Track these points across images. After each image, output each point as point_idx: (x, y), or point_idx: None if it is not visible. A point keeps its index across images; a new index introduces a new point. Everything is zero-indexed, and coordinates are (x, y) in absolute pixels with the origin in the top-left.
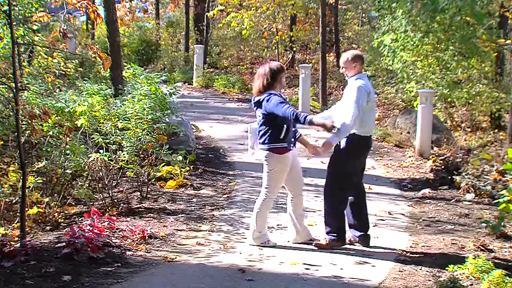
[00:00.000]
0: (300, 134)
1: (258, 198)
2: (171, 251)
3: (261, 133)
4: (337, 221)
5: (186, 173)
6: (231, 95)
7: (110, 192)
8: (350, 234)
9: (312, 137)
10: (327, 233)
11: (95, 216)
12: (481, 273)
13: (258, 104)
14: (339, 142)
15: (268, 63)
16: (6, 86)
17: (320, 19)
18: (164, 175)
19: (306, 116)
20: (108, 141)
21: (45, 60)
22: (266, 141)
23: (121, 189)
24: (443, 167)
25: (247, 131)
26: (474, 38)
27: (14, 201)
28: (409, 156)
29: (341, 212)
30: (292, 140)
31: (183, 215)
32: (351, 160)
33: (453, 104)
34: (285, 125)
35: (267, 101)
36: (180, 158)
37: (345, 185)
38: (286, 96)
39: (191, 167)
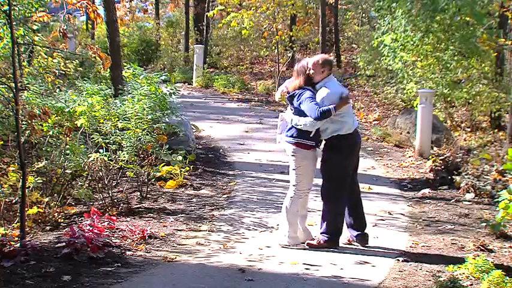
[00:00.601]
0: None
1: (285, 196)
2: (171, 251)
3: (289, 127)
4: (333, 223)
5: (186, 173)
6: (230, 95)
7: (110, 192)
8: (349, 234)
9: None
10: (321, 232)
11: (94, 216)
12: (481, 273)
13: (291, 99)
14: (326, 145)
15: (307, 59)
16: (6, 86)
17: (320, 19)
18: (164, 175)
19: (329, 109)
20: (108, 141)
21: (45, 60)
22: (295, 135)
23: (121, 189)
24: (443, 167)
25: (279, 119)
26: (474, 38)
27: (13, 201)
28: (409, 156)
29: (337, 214)
30: (320, 139)
31: (182, 215)
32: (340, 161)
33: (453, 104)
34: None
35: (298, 96)
36: (180, 158)
37: (339, 187)
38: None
39: (191, 167)
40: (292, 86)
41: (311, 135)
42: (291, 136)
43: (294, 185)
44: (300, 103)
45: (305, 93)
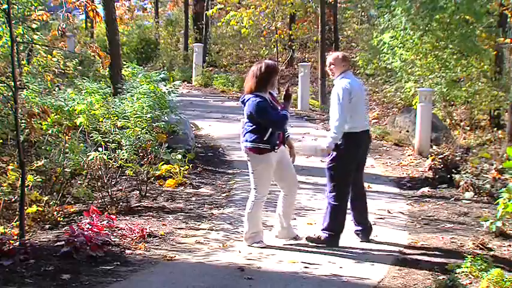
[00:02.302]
0: (288, 135)
1: (248, 199)
2: (170, 250)
3: (245, 131)
4: (334, 221)
5: (185, 172)
6: (230, 94)
7: (109, 191)
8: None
9: (312, 135)
10: (322, 229)
11: (94, 215)
12: (480, 272)
13: (244, 103)
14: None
15: (263, 62)
16: (5, 84)
17: (319, 18)
18: (163, 174)
19: (284, 114)
20: (107, 139)
21: (45, 59)
22: (248, 140)
23: (120, 188)
24: (442, 165)
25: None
26: (473, 37)
27: (13, 199)
28: (408, 155)
29: (339, 212)
30: (277, 142)
31: (182, 213)
32: (343, 157)
33: (452, 103)
34: (269, 128)
35: (250, 104)
36: (179, 156)
37: (342, 183)
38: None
39: (190, 165)
40: (246, 89)
41: (265, 139)
42: (246, 140)
43: (254, 188)
44: (251, 112)
45: (256, 103)
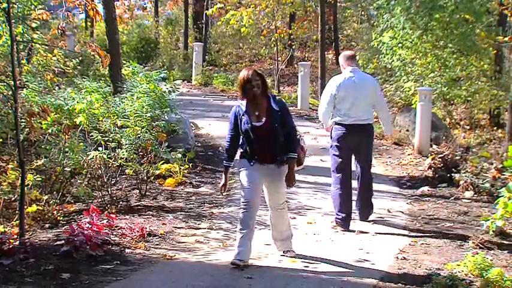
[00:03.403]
0: (291, 157)
1: None
2: (170, 249)
3: None
4: (334, 204)
5: (185, 171)
6: (230, 93)
7: (109, 190)
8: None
9: (311, 135)
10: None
11: (94, 214)
12: (480, 271)
13: None
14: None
15: (248, 70)
16: (5, 83)
17: (319, 17)
18: (163, 173)
19: (226, 159)
20: (107, 139)
21: (44, 58)
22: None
23: (120, 187)
24: (442, 164)
25: None
26: (473, 36)
27: (13, 199)
28: (408, 154)
29: (334, 195)
30: (255, 156)
31: (182, 212)
32: (332, 146)
33: (452, 102)
34: (243, 137)
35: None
36: (179, 155)
37: (333, 169)
38: (285, 94)
39: (190, 164)
40: None
41: (240, 143)
42: None
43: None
44: None
45: (231, 113)
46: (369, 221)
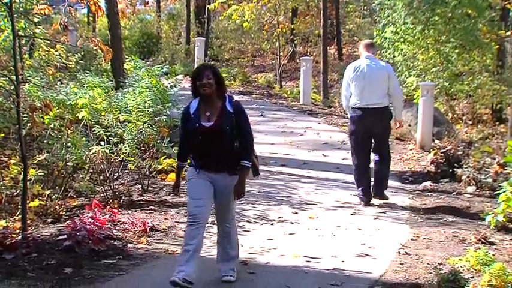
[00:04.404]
0: (245, 165)
1: None
2: (172, 244)
3: None
4: (355, 179)
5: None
6: (232, 88)
7: (111, 185)
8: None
9: (314, 130)
10: None
11: (96, 209)
12: (482, 266)
13: None
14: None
15: (202, 66)
16: (7, 78)
17: (321, 12)
18: (165, 168)
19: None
20: (109, 134)
21: (46, 52)
22: None
23: (122, 182)
24: (444, 159)
25: None
26: (475, 31)
27: (15, 193)
28: (410, 149)
29: (354, 172)
30: (199, 162)
31: (184, 207)
32: (350, 125)
33: (454, 97)
34: (190, 139)
35: None
36: None
37: (351, 149)
38: (287, 89)
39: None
40: None
41: (192, 154)
42: None
43: None
44: None
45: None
46: (371, 216)
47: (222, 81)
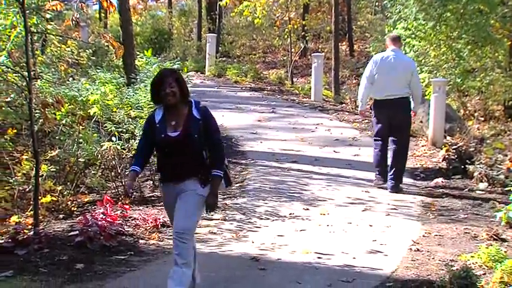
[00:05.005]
0: (216, 174)
1: None
2: None
3: None
4: (374, 163)
5: None
6: (243, 84)
7: (123, 181)
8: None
9: (325, 126)
10: None
11: (107, 205)
12: (494, 262)
13: None
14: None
15: (163, 72)
16: (19, 74)
17: (333, 8)
18: None
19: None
20: (120, 130)
21: (58, 49)
22: None
23: None
24: (456, 156)
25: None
26: (487, 27)
27: (27, 189)
28: (422, 146)
29: (375, 156)
30: (167, 176)
31: None
32: (374, 116)
33: (466, 93)
34: (157, 151)
35: None
36: None
37: (374, 135)
38: (298, 85)
39: None
40: None
41: (158, 165)
42: None
43: None
44: None
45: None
46: (382, 212)
47: (185, 87)
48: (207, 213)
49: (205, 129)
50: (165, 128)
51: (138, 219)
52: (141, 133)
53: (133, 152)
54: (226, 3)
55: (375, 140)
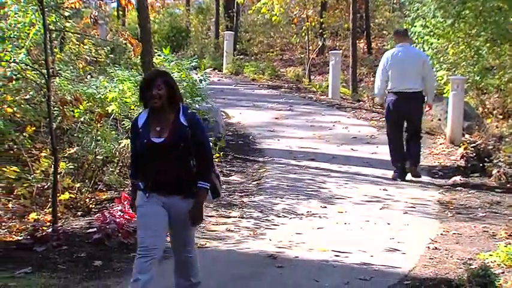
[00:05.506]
0: (202, 187)
1: None
2: (201, 237)
3: None
4: (391, 156)
5: (216, 160)
6: (260, 82)
7: None
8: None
9: (342, 124)
10: None
11: (125, 202)
12: None
13: None
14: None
15: (151, 74)
16: (38, 72)
17: (351, 5)
18: None
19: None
20: None
21: (77, 46)
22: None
23: None
24: (474, 154)
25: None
26: (506, 24)
27: (45, 186)
28: (440, 144)
29: (390, 149)
30: (149, 185)
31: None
32: (386, 109)
33: (485, 91)
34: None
35: None
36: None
37: (387, 128)
38: (316, 83)
39: (221, 153)
40: None
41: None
42: None
43: None
44: None
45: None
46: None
47: (175, 91)
48: (191, 226)
49: (193, 136)
50: (148, 133)
51: None
52: None
53: None
54: (244, 0)
55: (390, 135)
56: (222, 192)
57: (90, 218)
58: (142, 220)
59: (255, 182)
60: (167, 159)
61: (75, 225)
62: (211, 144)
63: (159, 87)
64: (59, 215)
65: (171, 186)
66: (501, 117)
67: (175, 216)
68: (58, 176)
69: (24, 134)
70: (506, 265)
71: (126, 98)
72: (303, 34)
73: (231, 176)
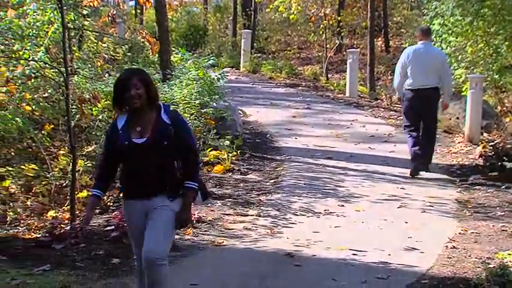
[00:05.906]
0: (190, 187)
1: None
2: (218, 236)
3: None
4: (410, 151)
5: (233, 158)
6: (278, 80)
7: None
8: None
9: (360, 122)
10: None
11: None
12: None
13: None
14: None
15: (126, 73)
16: (56, 70)
17: (368, 3)
18: (211, 160)
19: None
20: None
21: (95, 45)
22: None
23: None
24: (493, 153)
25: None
26: None
27: (64, 184)
28: (458, 142)
29: (408, 145)
30: (131, 191)
31: (230, 199)
32: (404, 105)
33: (504, 90)
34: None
35: None
36: (227, 142)
37: (405, 124)
38: (333, 81)
39: (238, 151)
40: None
41: (113, 175)
42: None
43: None
44: None
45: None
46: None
47: (152, 89)
48: (177, 229)
49: (177, 135)
50: (129, 135)
51: None
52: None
53: None
54: None
55: (407, 131)
56: (238, 190)
57: (108, 215)
58: (132, 234)
59: (272, 181)
60: (150, 160)
61: (93, 223)
62: (229, 142)
63: (136, 86)
64: (77, 212)
65: (154, 187)
66: None
67: (152, 210)
68: (76, 174)
69: (42, 132)
70: None
71: None
72: (321, 32)
73: (249, 174)
